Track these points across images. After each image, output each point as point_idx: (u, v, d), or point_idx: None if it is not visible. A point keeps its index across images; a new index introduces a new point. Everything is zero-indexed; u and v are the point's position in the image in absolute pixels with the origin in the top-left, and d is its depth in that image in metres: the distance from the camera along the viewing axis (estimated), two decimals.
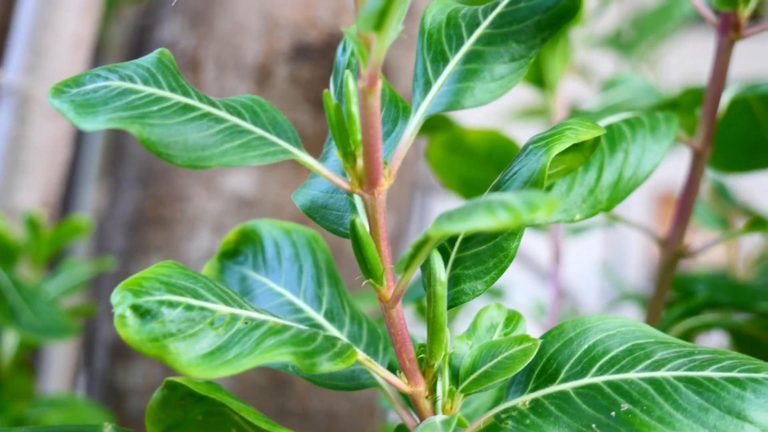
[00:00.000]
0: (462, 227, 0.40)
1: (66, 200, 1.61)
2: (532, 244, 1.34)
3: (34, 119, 1.14)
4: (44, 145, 1.14)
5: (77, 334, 0.95)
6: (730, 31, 0.66)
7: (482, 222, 0.39)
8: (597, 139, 0.55)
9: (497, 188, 0.52)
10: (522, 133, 1.57)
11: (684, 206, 0.72)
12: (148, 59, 0.50)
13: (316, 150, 1.16)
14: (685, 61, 1.97)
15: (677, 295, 0.86)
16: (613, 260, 3.52)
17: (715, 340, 1.01)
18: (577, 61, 1.67)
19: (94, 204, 1.70)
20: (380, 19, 0.41)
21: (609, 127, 0.63)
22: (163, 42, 1.21)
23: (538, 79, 0.96)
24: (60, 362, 1.48)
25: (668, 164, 0.74)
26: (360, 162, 0.48)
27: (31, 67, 1.14)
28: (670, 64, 1.72)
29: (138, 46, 1.92)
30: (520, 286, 1.73)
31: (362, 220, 0.50)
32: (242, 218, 1.13)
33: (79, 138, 1.77)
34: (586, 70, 1.70)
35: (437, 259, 0.51)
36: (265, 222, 0.62)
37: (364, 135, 0.47)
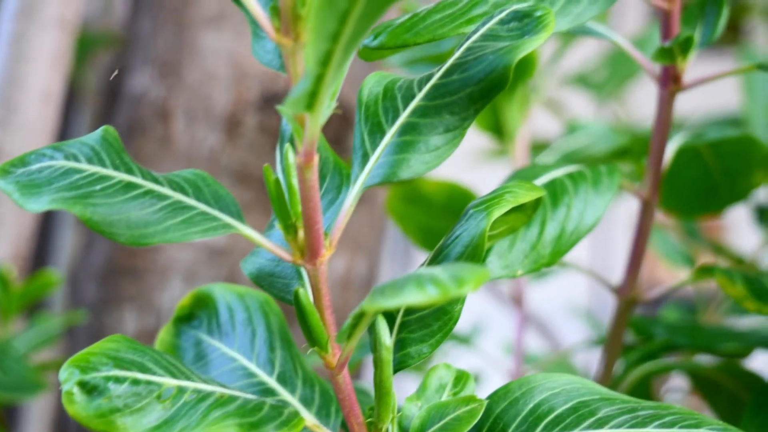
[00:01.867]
0: (394, 303, 0.41)
1: (40, 250, 1.61)
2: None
3: None
4: None
5: (47, 390, 0.96)
6: (670, 83, 0.68)
7: (412, 297, 0.40)
8: (539, 199, 0.57)
9: (440, 252, 0.53)
10: (489, 172, 1.59)
11: (635, 254, 0.73)
12: (92, 137, 0.51)
13: None
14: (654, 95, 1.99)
15: (637, 339, 0.87)
16: (599, 294, 3.53)
17: (677, 383, 1.02)
18: (547, 98, 1.69)
19: (71, 251, 1.71)
20: (311, 100, 0.43)
21: (552, 182, 0.65)
22: (133, 92, 1.23)
23: (496, 128, 0.98)
24: (36, 414, 1.48)
25: None
26: (301, 234, 0.49)
27: (1, 121, 1.15)
28: (640, 100, 1.75)
29: (113, 90, 1.94)
30: (497, 320, 1.74)
31: (306, 290, 0.51)
32: (214, 267, 1.14)
33: None
34: (557, 106, 1.72)
35: (382, 325, 0.52)
36: (219, 286, 0.63)
37: (304, 208, 0.48)
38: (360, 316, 0.46)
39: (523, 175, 0.66)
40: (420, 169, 0.49)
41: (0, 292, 1.06)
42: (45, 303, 1.49)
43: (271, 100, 1.16)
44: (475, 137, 1.07)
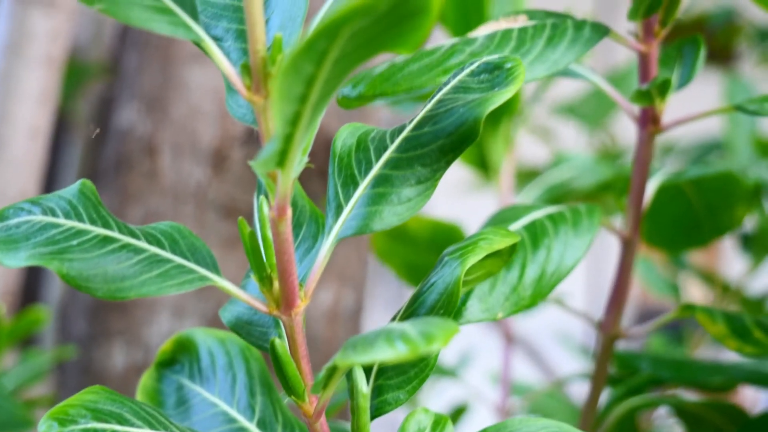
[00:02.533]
0: (365, 358, 0.41)
1: (30, 285, 1.62)
2: None
3: None
4: None
5: (35, 426, 0.96)
6: (649, 124, 0.68)
7: (382, 354, 0.41)
8: (515, 243, 0.57)
9: (416, 299, 0.54)
10: (476, 199, 1.59)
11: (618, 292, 0.74)
12: (70, 191, 0.51)
13: None
14: None
15: (621, 373, 0.87)
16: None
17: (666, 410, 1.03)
18: (535, 125, 1.70)
19: (61, 286, 1.71)
20: (281, 158, 0.43)
21: (532, 224, 0.65)
22: (120, 127, 1.23)
23: (481, 163, 0.99)
24: None
25: None
26: (276, 285, 0.49)
27: None
28: (627, 125, 1.75)
29: (103, 118, 1.94)
30: (486, 344, 1.74)
31: (283, 339, 0.51)
32: (202, 300, 1.15)
33: None
34: (545, 133, 1.73)
35: (359, 373, 0.52)
36: (201, 331, 0.63)
37: (278, 260, 0.48)
38: (333, 369, 0.46)
39: (504, 217, 0.67)
40: (392, 220, 0.49)
41: None
42: (36, 337, 1.50)
43: (256, 134, 1.17)
44: (461, 168, 1.08)
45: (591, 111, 1.53)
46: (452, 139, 0.49)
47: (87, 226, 0.50)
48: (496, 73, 0.51)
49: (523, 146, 1.37)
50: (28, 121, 1.16)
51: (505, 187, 1.01)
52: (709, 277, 1.24)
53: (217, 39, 0.51)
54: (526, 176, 1.37)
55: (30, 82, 1.16)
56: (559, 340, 1.36)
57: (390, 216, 0.49)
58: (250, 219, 1.14)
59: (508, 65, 0.51)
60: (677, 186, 0.79)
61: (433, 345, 0.40)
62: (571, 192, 0.97)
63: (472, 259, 0.52)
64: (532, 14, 0.63)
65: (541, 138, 1.71)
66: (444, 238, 0.88)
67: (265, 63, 0.45)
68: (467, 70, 0.52)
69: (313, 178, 1.10)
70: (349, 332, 1.18)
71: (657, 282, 1.20)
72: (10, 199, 1.15)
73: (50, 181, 1.78)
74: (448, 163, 0.49)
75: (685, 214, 0.82)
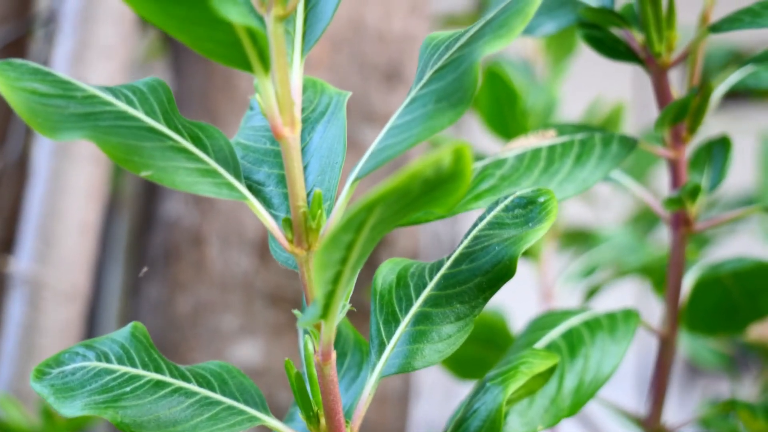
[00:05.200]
0: None
1: None
2: None
3: (46, 305, 1.18)
4: (57, 330, 1.18)
5: None
6: (682, 227, 0.69)
7: None
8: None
9: (459, 425, 0.55)
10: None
11: (658, 388, 0.75)
12: (122, 334, 0.53)
13: None
14: None
15: None
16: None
17: None
18: None
19: None
20: (325, 312, 0.45)
21: (569, 332, 0.66)
22: (168, 218, 1.26)
23: None
24: None
25: None
26: (323, 421, 0.51)
27: (41, 255, 1.19)
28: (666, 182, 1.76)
29: (149, 197, 1.99)
30: None
31: None
32: None
33: (93, 318, 1.83)
34: (588, 194, 1.73)
35: None
36: None
37: (324, 400, 0.50)
38: None
39: (541, 324, 0.68)
40: (433, 358, 0.51)
41: (45, 424, 1.09)
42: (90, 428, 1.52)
43: None
44: None
45: (630, 169, 1.54)
46: (489, 277, 0.50)
47: (140, 371, 0.52)
48: (529, 208, 0.52)
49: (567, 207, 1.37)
50: (78, 217, 1.20)
51: (546, 277, 1.02)
52: (752, 347, 1.23)
53: (258, 184, 0.54)
54: (570, 238, 1.37)
55: (79, 180, 1.19)
56: (609, 413, 1.35)
57: (431, 353, 0.51)
58: (295, 306, 1.16)
59: (541, 200, 0.52)
60: (716, 278, 0.80)
61: None
62: (613, 276, 0.98)
63: (514, 386, 0.54)
64: (561, 129, 0.65)
65: (583, 199, 1.72)
66: (487, 330, 0.89)
67: (306, 218, 0.47)
68: (501, 205, 0.53)
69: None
70: (397, 414, 1.20)
71: (703, 352, 1.19)
72: (62, 294, 1.18)
73: (98, 263, 1.81)
74: (486, 300, 0.51)
75: (724, 302, 0.83)
